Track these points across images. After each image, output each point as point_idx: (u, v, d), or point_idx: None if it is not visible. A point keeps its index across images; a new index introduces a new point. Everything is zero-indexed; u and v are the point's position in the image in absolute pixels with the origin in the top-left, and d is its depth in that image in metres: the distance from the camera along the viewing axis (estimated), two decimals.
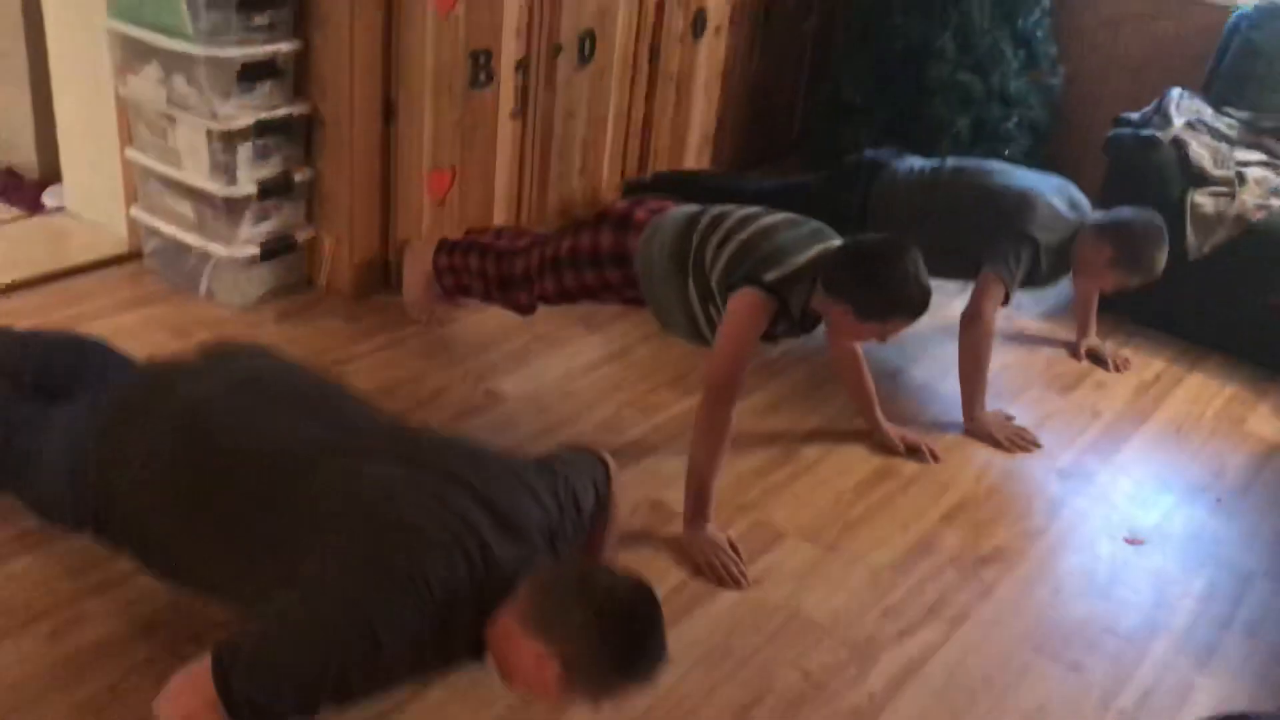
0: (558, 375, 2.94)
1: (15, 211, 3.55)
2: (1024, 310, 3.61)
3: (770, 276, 2.34)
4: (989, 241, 2.87)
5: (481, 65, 3.21)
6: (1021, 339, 3.44)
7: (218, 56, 2.79)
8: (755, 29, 4.25)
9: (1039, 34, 4.11)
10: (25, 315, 2.79)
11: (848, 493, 2.63)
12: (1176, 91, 3.61)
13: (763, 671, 2.08)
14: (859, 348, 2.75)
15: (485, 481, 1.68)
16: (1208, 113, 3.67)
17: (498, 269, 2.86)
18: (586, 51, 3.54)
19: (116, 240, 3.31)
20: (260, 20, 2.85)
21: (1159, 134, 3.42)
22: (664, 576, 2.28)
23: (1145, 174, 3.41)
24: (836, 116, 4.21)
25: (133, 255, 3.27)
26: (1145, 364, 3.39)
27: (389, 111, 3.08)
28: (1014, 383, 3.21)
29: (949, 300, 3.45)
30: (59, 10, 3.20)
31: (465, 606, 1.57)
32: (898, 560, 2.42)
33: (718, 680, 2.05)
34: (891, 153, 3.22)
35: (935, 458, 2.78)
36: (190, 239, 3.05)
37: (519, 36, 3.28)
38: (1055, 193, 2.96)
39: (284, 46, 2.91)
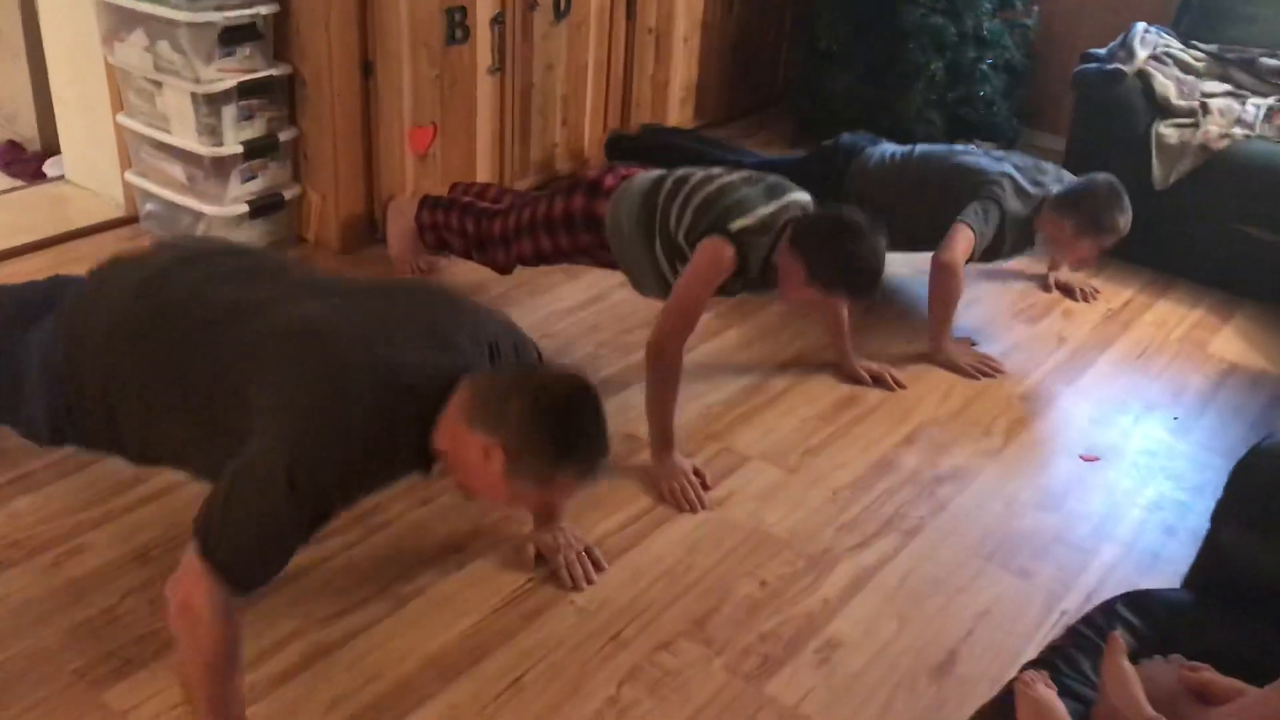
0: (539, 318, 3.06)
1: (18, 182, 3.69)
2: None
3: (734, 226, 2.42)
4: (958, 208, 2.96)
5: (457, 21, 3.30)
6: (994, 274, 3.53)
7: (199, 21, 2.90)
8: None
9: None
10: (27, 277, 2.92)
11: (812, 419, 2.74)
12: (1141, 26, 3.67)
13: (721, 583, 2.20)
14: None
15: (415, 306, 1.81)
16: (1176, 46, 3.73)
17: (477, 229, 2.96)
18: (562, 6, 3.63)
19: (115, 204, 3.45)
20: None
21: (1124, 67, 3.49)
22: (632, 501, 2.40)
23: (1110, 107, 3.48)
24: (816, 65, 4.28)
25: (131, 218, 3.41)
26: (1115, 293, 3.48)
27: (368, 70, 3.18)
28: (984, 315, 3.30)
29: None
30: None
31: (402, 417, 1.65)
32: (857, 480, 2.53)
33: (679, 592, 2.17)
34: (867, 139, 3.31)
35: (900, 385, 2.88)
36: (182, 199, 3.18)
37: None
38: (1019, 170, 3.04)
39: (263, 9, 3.02)
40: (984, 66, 4.10)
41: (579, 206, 2.70)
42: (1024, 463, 2.65)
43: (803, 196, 2.53)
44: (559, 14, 3.63)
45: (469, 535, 2.27)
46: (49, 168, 3.72)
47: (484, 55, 3.43)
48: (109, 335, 1.84)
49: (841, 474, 2.55)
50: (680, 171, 2.62)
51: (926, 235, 3.01)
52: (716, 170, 2.60)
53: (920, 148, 3.23)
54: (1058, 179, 3.08)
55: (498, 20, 3.42)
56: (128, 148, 3.31)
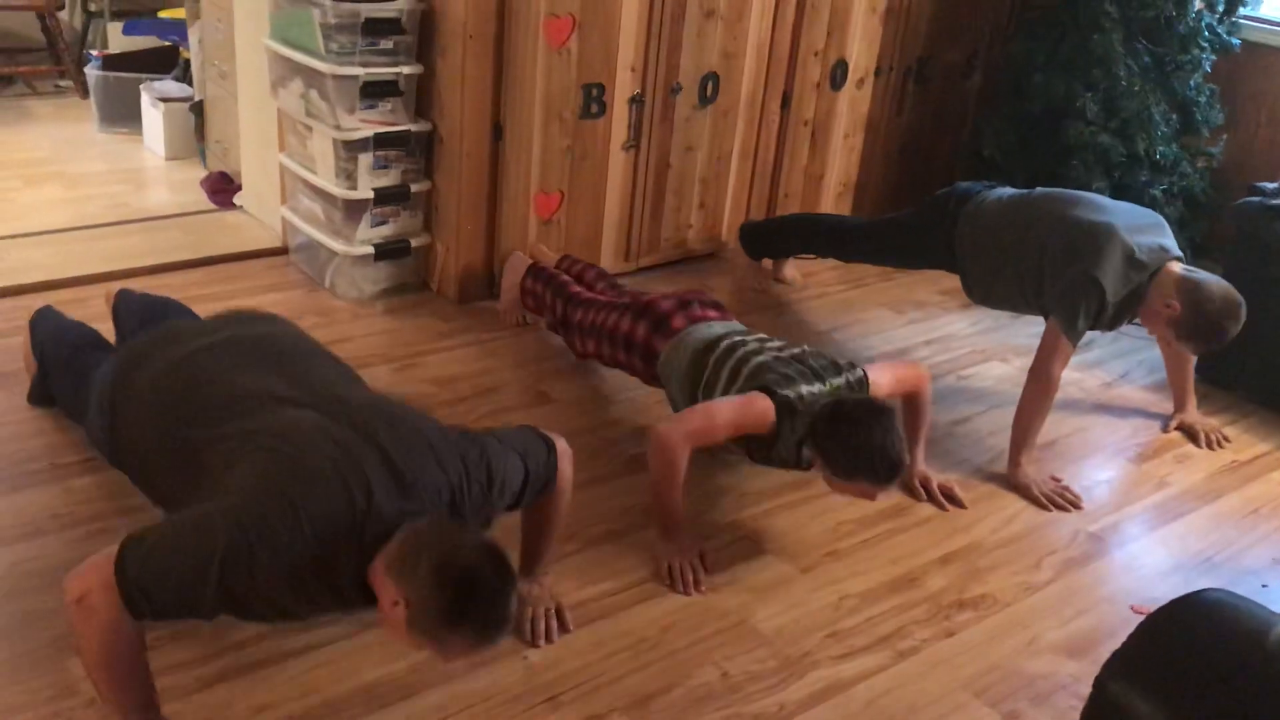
0: (611, 388, 3.10)
1: (211, 207, 4.10)
2: (1130, 379, 3.46)
3: (780, 391, 2.39)
4: (1057, 281, 2.81)
5: (594, 97, 3.44)
6: (1112, 406, 3.30)
7: (343, 74, 3.16)
8: (906, 84, 4.29)
9: (1201, 99, 3.93)
10: (189, 288, 3.32)
11: (849, 523, 2.64)
12: None
13: (682, 666, 2.15)
14: (926, 387, 2.72)
15: (392, 440, 1.86)
16: None
17: (564, 311, 3.07)
18: (709, 93, 3.71)
19: (273, 236, 3.77)
20: (385, 44, 3.21)
21: None
22: (628, 571, 2.39)
23: (1268, 245, 3.22)
24: (977, 175, 4.17)
25: (283, 249, 3.71)
26: (1248, 445, 3.17)
27: (498, 134, 3.36)
28: (1087, 445, 3.09)
29: (1026, 356, 3.38)
30: (245, 33, 3.71)
31: (345, 545, 1.74)
32: (870, 591, 2.42)
33: (635, 668, 2.13)
34: (985, 184, 3.21)
35: (956, 504, 2.74)
36: (319, 236, 3.43)
37: (633, 74, 3.50)
38: (1139, 231, 2.82)
39: (405, 69, 3.25)
40: (1155, 192, 3.87)
41: (641, 337, 2.78)
42: (1064, 603, 2.45)
43: (854, 375, 2.48)
44: (704, 99, 3.71)
45: None
46: (237, 198, 4.11)
47: (619, 132, 3.55)
48: (142, 400, 2.09)
49: (856, 582, 2.44)
50: (736, 337, 2.61)
51: (1024, 302, 2.97)
52: (772, 342, 2.59)
53: (1040, 191, 3.08)
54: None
55: (636, 100, 3.54)
56: (286, 184, 3.62)
